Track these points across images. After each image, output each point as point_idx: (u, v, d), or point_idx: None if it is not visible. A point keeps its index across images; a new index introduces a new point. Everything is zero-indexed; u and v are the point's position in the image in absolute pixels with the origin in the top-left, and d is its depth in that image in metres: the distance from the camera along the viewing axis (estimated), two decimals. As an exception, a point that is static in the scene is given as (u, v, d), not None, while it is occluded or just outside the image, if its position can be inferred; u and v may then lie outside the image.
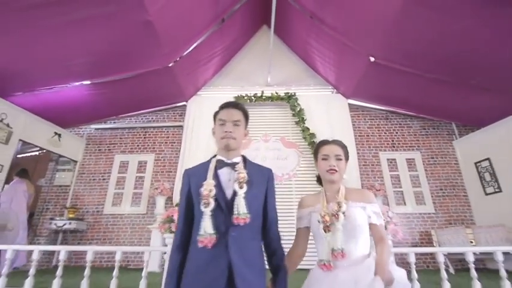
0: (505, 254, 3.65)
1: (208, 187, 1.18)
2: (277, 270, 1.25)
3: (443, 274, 2.37)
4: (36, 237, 5.01)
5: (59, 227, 4.61)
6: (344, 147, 1.46)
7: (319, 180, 1.51)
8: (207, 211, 1.14)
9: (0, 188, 4.01)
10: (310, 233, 1.43)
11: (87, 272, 2.40)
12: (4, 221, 3.83)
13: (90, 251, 2.44)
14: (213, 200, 1.16)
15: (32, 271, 2.45)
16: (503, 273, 2.37)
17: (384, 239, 1.31)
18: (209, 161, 1.33)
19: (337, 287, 1.17)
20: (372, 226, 1.32)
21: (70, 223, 4.61)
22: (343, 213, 1.26)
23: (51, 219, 4.79)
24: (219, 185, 1.22)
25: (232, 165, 1.28)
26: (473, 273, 2.36)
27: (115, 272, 2.38)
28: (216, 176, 1.25)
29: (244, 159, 1.36)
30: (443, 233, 4.48)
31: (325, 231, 1.27)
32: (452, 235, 4.37)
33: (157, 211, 4.67)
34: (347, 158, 1.45)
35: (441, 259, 2.38)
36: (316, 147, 1.51)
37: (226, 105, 1.38)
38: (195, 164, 1.36)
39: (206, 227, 1.11)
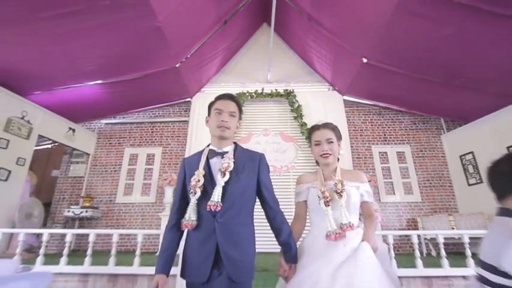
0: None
1: (197, 177, 1.26)
2: (287, 246, 1.32)
3: (417, 253, 2.78)
4: (55, 224, 5.45)
5: (76, 215, 5.03)
6: (334, 129, 1.54)
7: (316, 161, 1.60)
8: (193, 199, 1.25)
9: (24, 180, 4.41)
10: None
11: (113, 251, 2.82)
12: (31, 209, 4.24)
13: (116, 233, 2.85)
14: (200, 189, 1.25)
15: (65, 251, 2.87)
16: (468, 253, 2.78)
17: (372, 215, 1.46)
18: (203, 151, 1.40)
19: (331, 248, 1.29)
20: (363, 203, 1.46)
21: (86, 211, 5.03)
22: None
23: (69, 207, 5.20)
24: (209, 174, 1.30)
25: (222, 155, 1.34)
26: (443, 252, 2.78)
27: (137, 251, 2.80)
28: (207, 166, 1.32)
29: (236, 147, 1.41)
30: (428, 220, 4.91)
31: (326, 206, 1.37)
32: (436, 222, 4.80)
33: (166, 200, 5.07)
34: (340, 138, 1.54)
35: (415, 240, 2.79)
36: (309, 133, 1.60)
37: (223, 97, 1.43)
38: None
39: (190, 214, 1.24)
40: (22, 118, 4.35)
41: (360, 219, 1.48)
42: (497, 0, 2.97)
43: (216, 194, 1.22)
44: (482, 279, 1.10)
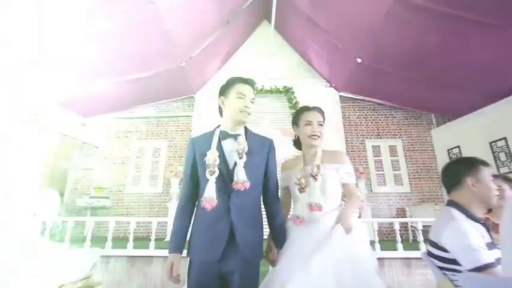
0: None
1: (213, 157, 1.25)
2: (278, 232, 1.39)
3: (398, 238, 3.16)
4: (68, 213, 5.83)
5: (89, 204, 5.40)
6: (323, 113, 1.57)
7: (296, 144, 1.64)
8: (212, 178, 1.23)
9: (40, 173, 4.76)
10: None
11: (131, 236, 3.19)
12: (49, 199, 4.61)
13: (133, 221, 3.22)
14: (218, 168, 1.25)
15: (88, 236, 3.24)
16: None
17: (353, 195, 1.48)
18: (213, 132, 1.38)
19: (304, 231, 1.36)
20: (343, 185, 1.48)
21: (99, 201, 5.40)
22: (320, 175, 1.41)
23: (81, 197, 5.56)
24: (222, 155, 1.29)
25: (235, 137, 1.33)
26: (421, 237, 3.16)
27: (153, 236, 3.17)
28: (219, 147, 1.31)
29: (246, 130, 1.41)
30: (416, 209, 5.31)
31: (300, 192, 1.41)
32: (423, 211, 5.19)
33: (172, 190, 5.44)
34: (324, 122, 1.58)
35: (396, 227, 3.16)
36: (298, 113, 1.58)
37: (245, 81, 1.39)
38: None
39: (210, 192, 1.22)
40: (37, 114, 4.65)
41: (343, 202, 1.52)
42: (482, 11, 3.23)
43: (241, 174, 1.23)
44: (429, 253, 1.46)
